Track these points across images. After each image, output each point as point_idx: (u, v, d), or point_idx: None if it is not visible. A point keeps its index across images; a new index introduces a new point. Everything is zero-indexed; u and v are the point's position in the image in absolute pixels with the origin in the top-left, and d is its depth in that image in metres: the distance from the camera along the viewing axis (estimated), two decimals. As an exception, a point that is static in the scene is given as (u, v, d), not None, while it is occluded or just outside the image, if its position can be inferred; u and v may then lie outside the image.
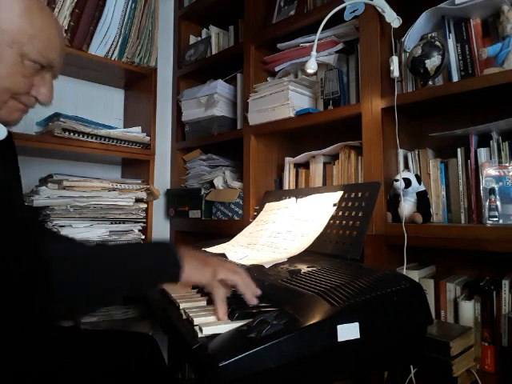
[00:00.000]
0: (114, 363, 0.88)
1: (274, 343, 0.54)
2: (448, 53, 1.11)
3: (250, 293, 0.73)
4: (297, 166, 1.58)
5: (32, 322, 0.59)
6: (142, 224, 1.63)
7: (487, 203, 1.01)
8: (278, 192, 1.48)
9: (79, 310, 0.68)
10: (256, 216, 1.44)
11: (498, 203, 1.00)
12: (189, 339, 0.61)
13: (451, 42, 1.14)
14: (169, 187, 2.01)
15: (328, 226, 1.05)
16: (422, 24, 1.19)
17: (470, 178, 1.10)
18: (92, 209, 1.49)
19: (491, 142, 1.07)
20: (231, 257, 1.11)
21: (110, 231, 1.52)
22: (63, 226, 1.41)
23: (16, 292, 0.56)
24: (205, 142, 1.82)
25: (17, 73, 0.70)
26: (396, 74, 1.15)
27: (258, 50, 1.62)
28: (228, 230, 1.54)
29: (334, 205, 1.09)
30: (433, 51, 1.08)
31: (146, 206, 1.64)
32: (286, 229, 1.16)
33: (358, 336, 0.60)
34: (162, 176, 1.98)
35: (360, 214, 0.98)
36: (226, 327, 0.62)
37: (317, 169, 1.49)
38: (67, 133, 1.43)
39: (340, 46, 1.39)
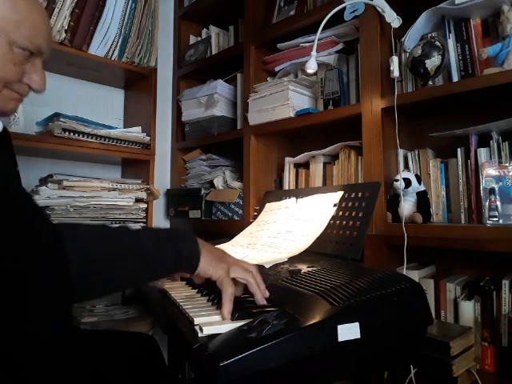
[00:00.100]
0: (114, 363, 0.87)
1: (274, 343, 0.54)
2: (448, 53, 1.11)
3: (260, 293, 0.73)
4: (297, 166, 1.59)
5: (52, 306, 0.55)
6: (142, 224, 1.63)
7: (487, 203, 1.01)
8: (278, 192, 1.48)
9: (95, 289, 0.66)
10: (256, 216, 1.44)
11: (498, 203, 1.00)
12: (189, 339, 0.61)
13: (451, 42, 1.14)
14: (169, 187, 2.01)
15: (328, 226, 1.05)
16: (421, 24, 1.19)
17: (470, 178, 1.10)
18: (92, 209, 1.49)
19: (491, 141, 1.07)
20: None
21: (110, 231, 1.52)
22: (63, 226, 1.41)
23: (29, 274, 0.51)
24: (205, 142, 1.83)
25: (7, 61, 0.70)
26: (396, 74, 1.15)
27: (258, 50, 1.62)
28: (228, 230, 1.54)
29: (335, 205, 1.08)
30: (433, 51, 1.08)
31: (146, 206, 1.64)
32: (286, 229, 1.16)
33: (358, 336, 0.60)
34: (162, 176, 1.98)
35: (360, 214, 0.98)
36: (226, 327, 0.62)
37: (317, 169, 1.49)
38: (67, 133, 1.43)
39: (340, 46, 1.39)
